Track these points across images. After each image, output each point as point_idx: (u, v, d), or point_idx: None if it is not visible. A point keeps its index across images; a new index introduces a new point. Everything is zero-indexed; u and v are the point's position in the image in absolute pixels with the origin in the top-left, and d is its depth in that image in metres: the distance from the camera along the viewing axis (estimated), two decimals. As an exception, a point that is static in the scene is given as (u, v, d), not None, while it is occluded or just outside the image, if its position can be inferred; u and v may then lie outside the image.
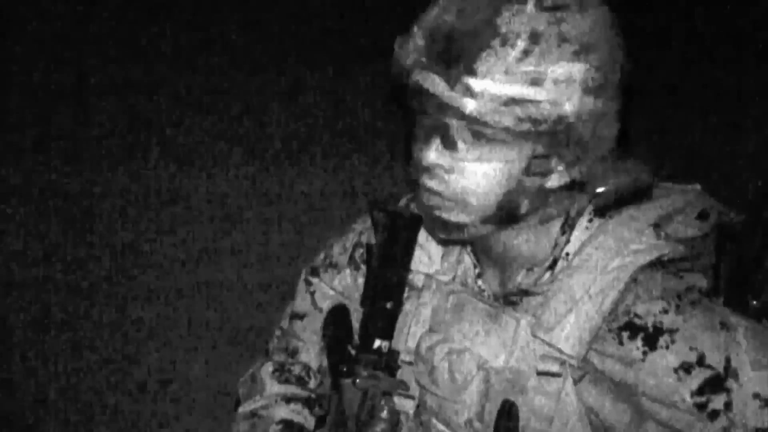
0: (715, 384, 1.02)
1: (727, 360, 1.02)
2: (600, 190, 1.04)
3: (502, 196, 1.05)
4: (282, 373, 1.39)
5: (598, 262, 1.08)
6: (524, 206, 1.07)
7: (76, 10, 3.33)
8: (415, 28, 1.03)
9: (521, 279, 1.14)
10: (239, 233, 3.00)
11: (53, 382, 2.56)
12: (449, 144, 1.04)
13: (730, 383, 1.02)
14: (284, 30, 3.47)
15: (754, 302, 1.15)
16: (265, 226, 3.01)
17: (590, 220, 1.12)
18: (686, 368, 1.03)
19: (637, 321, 1.05)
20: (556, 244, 1.12)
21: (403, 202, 1.29)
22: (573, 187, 1.07)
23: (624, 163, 1.06)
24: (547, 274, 1.12)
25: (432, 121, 1.04)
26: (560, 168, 1.04)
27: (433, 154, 1.06)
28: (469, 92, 0.99)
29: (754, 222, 1.23)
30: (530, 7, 0.98)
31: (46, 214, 2.97)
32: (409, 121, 1.09)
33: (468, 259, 1.21)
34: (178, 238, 2.95)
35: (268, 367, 1.39)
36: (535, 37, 0.97)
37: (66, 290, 2.78)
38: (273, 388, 1.38)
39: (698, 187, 1.20)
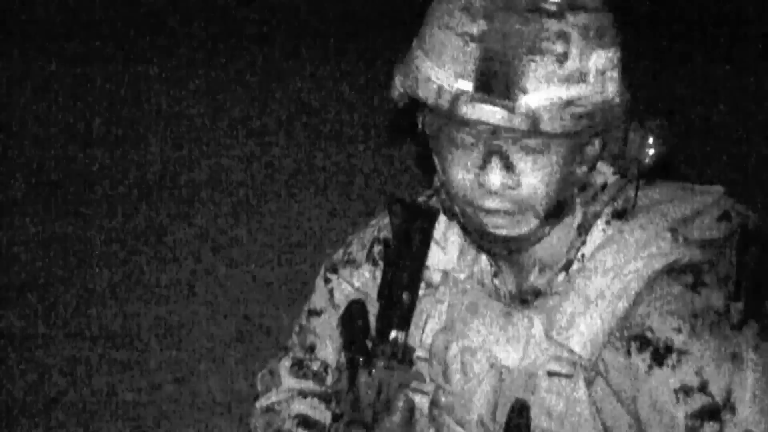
0: (711, 413, 1.03)
1: (729, 393, 1.03)
2: (647, 160, 1.08)
3: (559, 191, 1.07)
4: (300, 368, 1.39)
5: (614, 265, 1.09)
6: (575, 195, 1.11)
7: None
8: (443, 57, 1.03)
9: (534, 279, 1.15)
10: (251, 230, 3.01)
11: (64, 381, 2.57)
12: (507, 165, 1.05)
13: (726, 415, 1.02)
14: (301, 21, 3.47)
15: None
16: (277, 222, 3.02)
17: (607, 222, 1.13)
18: (686, 391, 1.03)
19: (649, 335, 1.06)
20: (571, 245, 1.13)
21: (422, 199, 1.30)
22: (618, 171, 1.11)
23: (654, 122, 1.09)
24: (562, 275, 1.13)
25: (486, 147, 1.05)
26: (598, 144, 1.08)
27: (497, 178, 1.05)
28: (526, 112, 1.00)
29: None
30: (552, 10, 1.01)
31: (51, 210, 3.00)
32: (438, 142, 1.10)
33: (484, 258, 1.22)
34: (188, 234, 2.98)
35: (286, 362, 1.40)
36: (565, 38, 1.00)
37: (75, 286, 2.80)
38: (290, 382, 1.38)
39: (721, 189, 1.20)
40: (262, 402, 1.39)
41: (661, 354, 1.04)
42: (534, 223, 1.08)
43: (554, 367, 1.09)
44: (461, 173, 1.07)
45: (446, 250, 1.24)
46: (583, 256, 1.12)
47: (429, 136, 1.11)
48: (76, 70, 3.41)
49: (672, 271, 1.08)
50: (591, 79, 1.01)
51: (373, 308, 1.31)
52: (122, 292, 2.80)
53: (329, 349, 1.40)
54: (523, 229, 1.08)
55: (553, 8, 1.00)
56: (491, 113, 1.00)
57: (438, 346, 1.19)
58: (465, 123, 1.03)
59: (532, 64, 0.99)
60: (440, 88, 1.02)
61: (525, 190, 1.05)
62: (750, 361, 1.04)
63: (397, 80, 1.09)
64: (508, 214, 1.08)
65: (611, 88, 1.02)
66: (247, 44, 3.58)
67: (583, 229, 1.13)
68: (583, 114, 1.00)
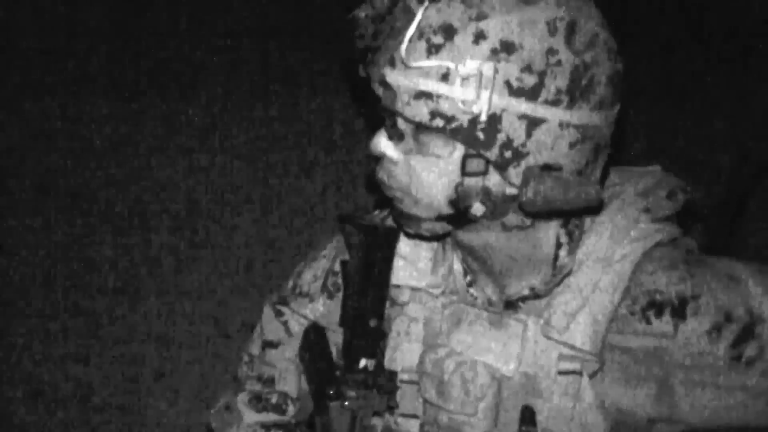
0: (746, 334, 1.04)
1: (749, 309, 1.04)
2: (523, 198, 0.98)
3: (447, 193, 1.03)
4: (259, 401, 1.34)
5: (601, 255, 1.08)
6: (476, 208, 1.03)
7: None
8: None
9: (533, 282, 1.12)
10: (231, 229, 3.00)
11: (46, 377, 2.53)
12: (395, 135, 1.03)
13: (759, 329, 1.04)
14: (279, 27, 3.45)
15: None
16: (256, 221, 3.01)
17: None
18: (717, 328, 1.04)
19: (659, 297, 1.06)
20: (559, 244, 1.10)
21: (377, 213, 1.26)
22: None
23: (574, 177, 0.99)
24: (549, 277, 1.11)
25: (382, 112, 1.03)
26: (495, 172, 1.01)
27: (381, 143, 1.05)
28: (385, 84, 0.98)
29: (727, 201, 1.24)
30: (455, 2, 0.96)
31: (41, 214, 2.93)
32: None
33: (458, 269, 1.19)
34: (170, 233, 2.93)
35: (244, 397, 1.35)
36: (450, 32, 0.95)
37: (58, 285, 2.75)
38: (251, 417, 1.34)
39: (659, 168, 1.20)
40: (224, 440, 1.34)
41: (679, 308, 1.05)
42: (423, 212, 1.06)
43: (563, 366, 1.08)
44: None
45: (417, 267, 1.20)
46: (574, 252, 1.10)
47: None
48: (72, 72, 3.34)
49: (654, 247, 1.09)
50: (456, 82, 0.94)
51: (331, 338, 1.27)
52: (107, 289, 2.76)
53: (289, 380, 1.36)
54: (413, 210, 1.06)
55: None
56: (365, 73, 1.01)
57: (429, 365, 1.15)
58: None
59: (406, 45, 0.95)
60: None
61: (409, 173, 1.03)
62: (744, 274, 1.07)
63: None
64: (396, 190, 1.06)
65: (480, 105, 0.94)
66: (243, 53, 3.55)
67: (574, 227, 1.10)
68: (438, 113, 0.96)
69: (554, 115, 0.96)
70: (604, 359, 1.08)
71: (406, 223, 1.10)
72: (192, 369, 2.58)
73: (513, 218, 1.05)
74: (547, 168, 0.98)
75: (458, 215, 1.04)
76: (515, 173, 0.98)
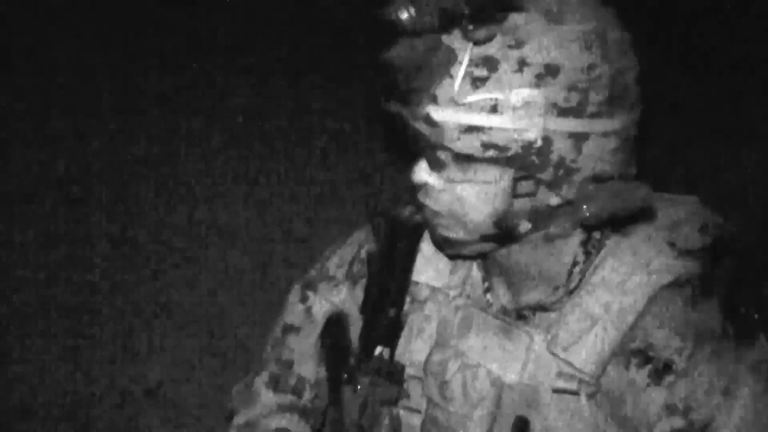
0: (693, 430, 1.03)
1: (706, 425, 1.03)
2: (586, 213, 0.98)
3: (495, 216, 1.03)
4: (277, 383, 1.36)
5: (618, 280, 1.07)
6: (523, 226, 1.04)
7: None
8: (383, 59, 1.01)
9: (542, 295, 1.12)
10: (229, 241, 3.01)
11: (39, 392, 2.54)
12: (436, 165, 1.04)
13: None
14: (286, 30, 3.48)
15: (756, 316, 1.14)
16: (257, 234, 3.02)
17: (607, 237, 1.11)
18: (672, 411, 1.03)
19: (650, 353, 1.05)
20: (575, 262, 1.11)
21: (408, 208, 1.28)
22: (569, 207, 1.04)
23: (624, 183, 1.00)
24: (562, 291, 1.11)
25: (423, 146, 1.04)
26: (545, 189, 1.01)
27: (422, 173, 1.06)
28: (430, 122, 0.98)
29: (763, 236, 1.22)
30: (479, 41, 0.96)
31: (34, 220, 2.98)
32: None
33: (477, 273, 1.20)
34: (165, 245, 2.96)
35: (263, 378, 1.37)
36: (492, 63, 0.95)
37: (51, 298, 2.78)
38: (268, 398, 1.35)
39: (696, 198, 1.19)
40: (239, 418, 1.36)
41: (660, 372, 1.04)
42: (468, 235, 1.06)
43: (560, 384, 1.08)
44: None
45: (437, 267, 1.21)
46: (584, 272, 1.10)
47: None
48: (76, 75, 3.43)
49: (672, 284, 1.07)
50: (506, 113, 0.95)
51: (352, 325, 1.29)
52: (100, 302, 2.79)
53: (307, 365, 1.37)
54: (459, 235, 1.07)
55: (482, 34, 0.94)
56: (401, 113, 1.00)
57: (434, 364, 1.17)
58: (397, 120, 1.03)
59: (448, 79, 0.96)
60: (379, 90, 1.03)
61: (455, 199, 1.04)
62: (742, 397, 1.03)
63: None
64: (441, 216, 1.06)
65: (533, 132, 0.95)
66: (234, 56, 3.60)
67: (591, 246, 1.11)
68: (491, 145, 0.96)
69: (598, 126, 0.98)
70: (601, 385, 1.08)
71: (449, 248, 1.11)
72: (184, 385, 2.58)
73: (555, 231, 1.06)
74: (598, 179, 1.00)
75: (504, 234, 1.05)
76: (567, 187, 1.00)
